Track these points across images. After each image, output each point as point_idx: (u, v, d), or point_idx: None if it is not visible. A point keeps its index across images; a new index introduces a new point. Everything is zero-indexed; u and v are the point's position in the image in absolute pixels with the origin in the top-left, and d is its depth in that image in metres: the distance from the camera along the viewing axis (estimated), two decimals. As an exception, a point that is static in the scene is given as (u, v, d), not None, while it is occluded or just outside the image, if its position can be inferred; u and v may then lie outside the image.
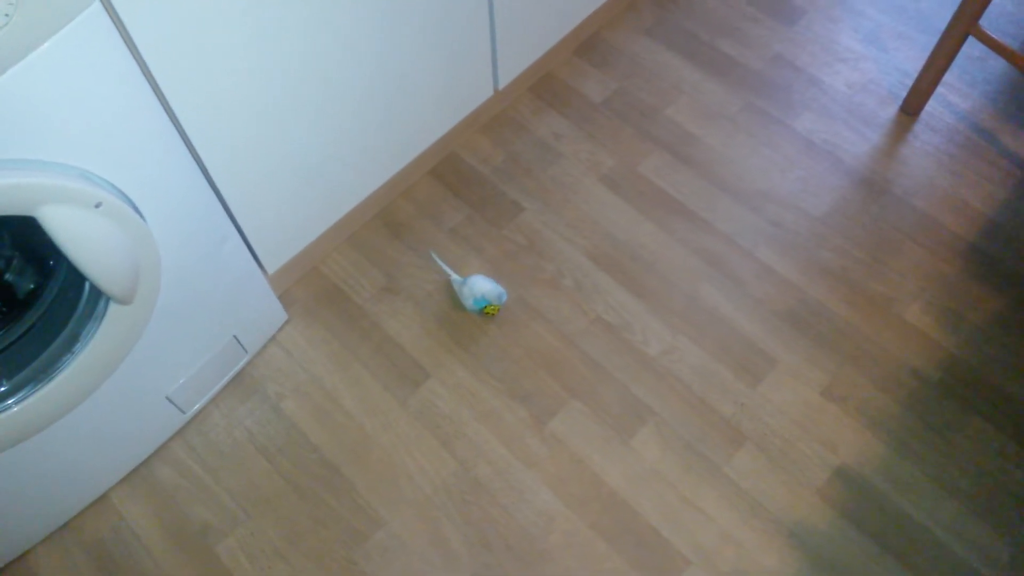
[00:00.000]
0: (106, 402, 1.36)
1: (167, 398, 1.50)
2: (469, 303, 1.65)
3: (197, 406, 1.60)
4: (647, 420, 1.59)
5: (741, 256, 1.77)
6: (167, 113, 1.16)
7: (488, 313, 1.67)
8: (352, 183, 1.66)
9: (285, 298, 1.74)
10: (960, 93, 1.97)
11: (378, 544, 1.49)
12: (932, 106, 1.95)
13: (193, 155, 1.26)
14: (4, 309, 1.25)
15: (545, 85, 2.01)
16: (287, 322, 1.71)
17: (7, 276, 1.25)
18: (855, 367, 1.64)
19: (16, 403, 1.19)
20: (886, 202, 1.83)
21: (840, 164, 1.88)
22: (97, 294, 1.19)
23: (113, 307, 1.21)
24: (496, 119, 1.97)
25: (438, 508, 1.52)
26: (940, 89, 1.96)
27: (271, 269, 1.61)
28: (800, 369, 1.64)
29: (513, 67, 1.85)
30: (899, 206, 1.82)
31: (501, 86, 1.84)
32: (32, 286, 1.27)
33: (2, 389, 1.19)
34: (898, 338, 1.66)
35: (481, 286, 1.62)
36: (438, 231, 1.82)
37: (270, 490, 1.54)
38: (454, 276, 1.70)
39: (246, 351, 1.63)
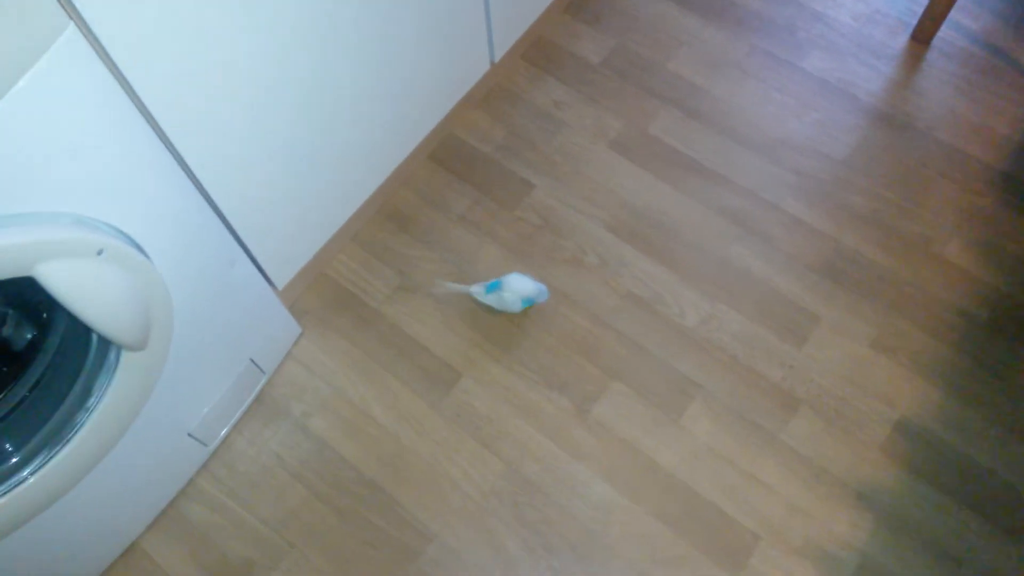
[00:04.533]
0: (125, 452, 1.26)
1: (189, 435, 1.40)
2: (517, 307, 1.55)
3: (220, 437, 1.50)
4: (694, 395, 1.52)
5: (767, 211, 1.69)
6: (157, 135, 1.04)
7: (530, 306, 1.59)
8: (355, 180, 1.55)
9: (295, 310, 1.63)
10: (970, 14, 1.88)
11: (432, 560, 1.42)
12: (944, 32, 1.86)
13: (190, 177, 1.15)
14: (3, 368, 1.14)
15: (538, 50, 1.89)
16: (301, 335, 1.61)
17: (3, 331, 1.13)
18: (900, 315, 1.57)
19: (31, 474, 1.08)
20: (909, 137, 1.75)
21: (856, 102, 1.80)
22: (107, 344, 1.08)
23: (126, 355, 1.10)
24: (492, 93, 1.85)
25: (490, 514, 1.45)
26: (950, 12, 1.87)
27: (280, 284, 1.50)
28: (844, 323, 1.57)
29: (508, 36, 1.73)
30: (923, 140, 1.74)
31: (497, 58, 1.72)
32: (29, 338, 1.15)
33: (14, 460, 1.08)
34: (940, 279, 1.60)
35: (523, 285, 1.52)
36: (446, 220, 1.71)
37: (310, 516, 1.46)
38: (474, 288, 1.59)
39: (263, 372, 1.53)
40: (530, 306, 1.57)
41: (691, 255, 1.65)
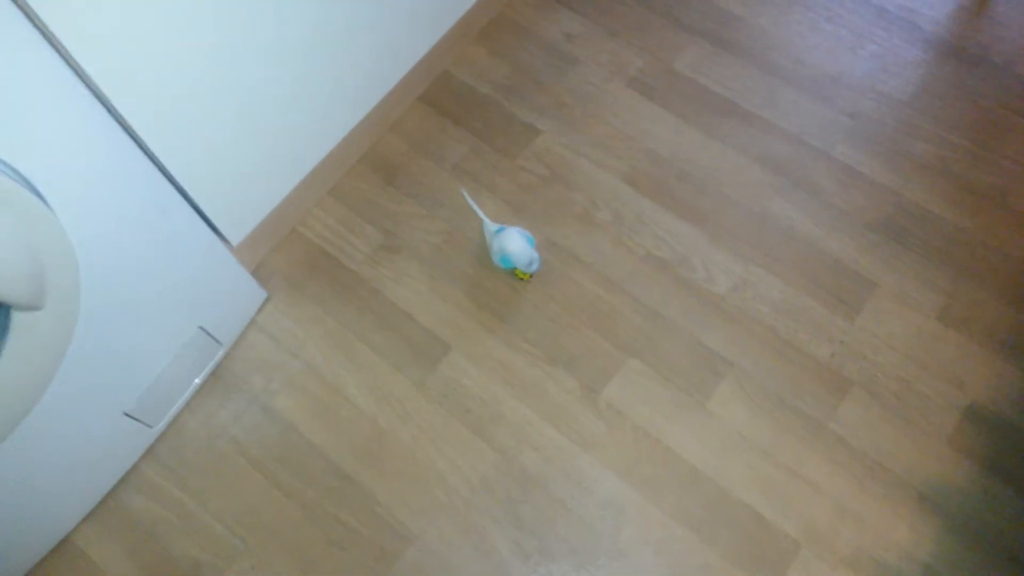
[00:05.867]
0: (47, 430, 1.06)
1: (126, 414, 1.19)
2: (496, 258, 1.32)
3: (167, 417, 1.29)
4: (725, 374, 1.28)
5: (815, 158, 1.43)
6: (63, 57, 0.82)
7: (519, 277, 1.36)
8: (325, 119, 1.32)
9: (261, 272, 1.41)
10: (1059, -71, 1.59)
11: (411, 564, 1.20)
12: (1027, -52, 1.58)
13: (106, 107, 0.92)
14: None
15: (547, -24, 1.64)
16: (267, 301, 1.39)
17: None
18: (974, 281, 1.31)
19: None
20: (983, 74, 1.48)
21: (920, 33, 1.53)
22: (-12, 301, 0.87)
23: (18, 315, 0.89)
24: (493, 25, 1.60)
25: (480, 511, 1.22)
26: (1035, -74, 1.59)
27: (235, 239, 1.28)
28: (907, 291, 1.32)
29: (508, -48, 1.48)
30: (1000, 76, 1.47)
31: (496, -22, 1.48)
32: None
33: None
34: (1020, 238, 1.34)
35: (512, 244, 1.29)
36: (438, 170, 1.48)
37: (270, 511, 1.25)
38: (487, 221, 1.37)
39: (219, 343, 1.31)
40: (514, 268, 1.34)
41: (723, 210, 1.40)
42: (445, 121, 1.52)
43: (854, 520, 1.18)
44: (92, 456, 1.20)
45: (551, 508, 1.22)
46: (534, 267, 1.31)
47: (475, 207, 1.40)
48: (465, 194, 1.42)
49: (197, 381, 1.31)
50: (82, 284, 0.96)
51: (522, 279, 1.36)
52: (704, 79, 1.52)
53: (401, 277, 1.39)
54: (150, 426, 1.26)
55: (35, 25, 0.81)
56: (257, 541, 1.23)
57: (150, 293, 1.10)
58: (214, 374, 1.34)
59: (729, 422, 1.25)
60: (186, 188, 1.11)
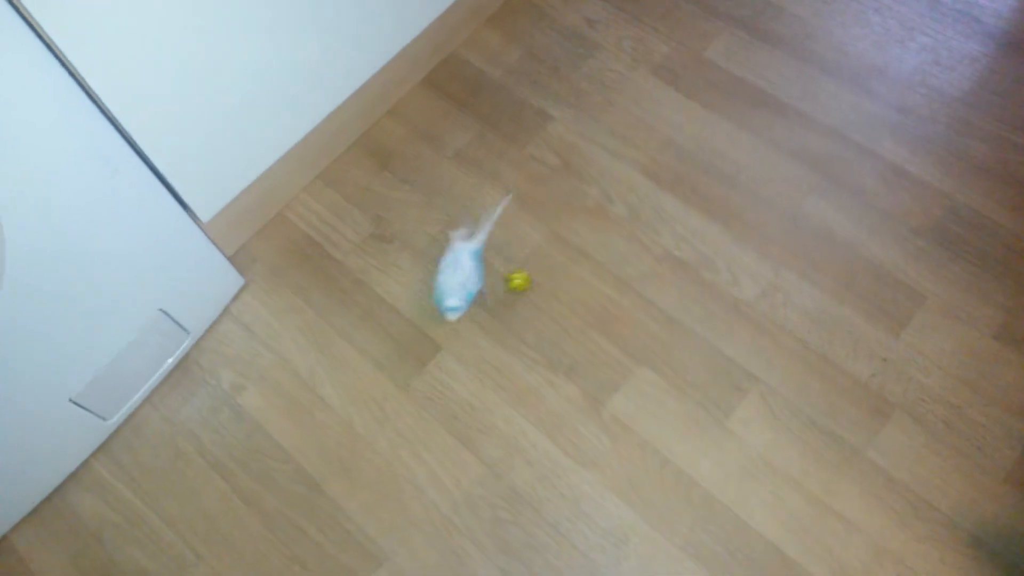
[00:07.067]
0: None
1: (72, 401, 1.07)
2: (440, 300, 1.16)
3: (124, 410, 1.17)
4: (748, 390, 1.13)
5: (858, 156, 1.28)
6: None
7: (515, 287, 1.20)
8: (309, 89, 1.20)
9: (240, 258, 1.30)
10: None
11: (380, 588, 1.06)
12: (1100, -62, 1.43)
13: (47, 43, 0.82)
14: None
15: (569, -43, 1.53)
16: (244, 289, 1.27)
17: None
18: (1039, 296, 1.15)
19: None
20: (1051, 70, 1.33)
21: (979, 25, 1.38)
22: None
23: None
24: (508, 7, 1.49)
25: (461, 532, 1.07)
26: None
27: (206, 215, 1.16)
28: (960, 305, 1.15)
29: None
30: (1070, 73, 1.32)
31: (511, -50, 1.37)
32: None
33: None
34: (1096, 252, 1.17)
35: (447, 279, 1.14)
36: (439, 156, 1.36)
37: (227, 520, 1.11)
38: (474, 243, 1.18)
39: (186, 331, 1.19)
40: (509, 279, 1.19)
41: (753, 208, 1.26)
42: (449, 105, 1.40)
43: (894, 564, 1.01)
44: (35, 448, 1.08)
45: (543, 533, 1.06)
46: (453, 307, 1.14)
47: (490, 223, 1.20)
48: (506, 202, 1.24)
49: (160, 372, 1.19)
50: (5, 242, 0.84)
51: (519, 288, 1.20)
52: (736, 68, 1.38)
53: (390, 269, 1.27)
54: (104, 419, 1.14)
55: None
56: (211, 552, 1.09)
57: (97, 264, 0.98)
58: (180, 366, 1.22)
59: (751, 444, 1.09)
60: (142, 146, 0.99)
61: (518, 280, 1.20)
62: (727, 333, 1.17)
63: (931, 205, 1.23)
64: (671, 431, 1.11)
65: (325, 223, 1.31)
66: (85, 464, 1.17)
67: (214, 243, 1.17)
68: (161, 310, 1.11)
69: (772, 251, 1.22)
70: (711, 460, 1.09)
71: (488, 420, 1.14)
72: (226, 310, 1.25)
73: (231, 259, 1.26)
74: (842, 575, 1.01)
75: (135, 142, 0.97)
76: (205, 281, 1.19)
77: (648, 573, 1.03)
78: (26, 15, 0.79)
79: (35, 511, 1.14)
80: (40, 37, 0.81)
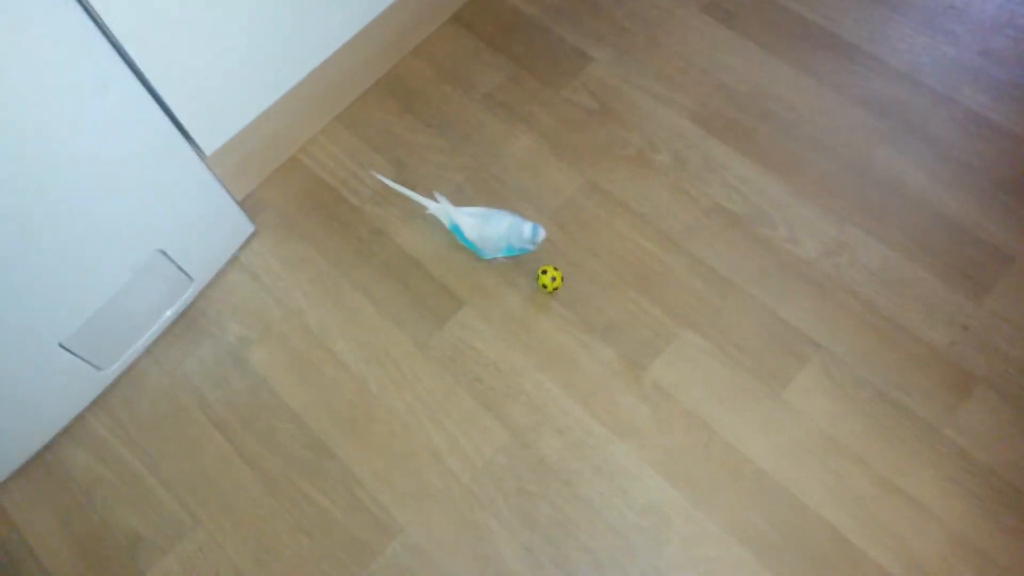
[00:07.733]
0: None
1: (62, 346, 0.98)
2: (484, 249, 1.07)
3: (122, 361, 1.08)
4: (809, 358, 1.01)
5: (934, 102, 1.15)
6: None
7: (546, 287, 1.08)
8: (324, 14, 1.10)
9: (251, 203, 1.20)
10: None
11: (391, 563, 0.95)
12: None
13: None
14: None
15: None
16: (253, 236, 1.17)
17: None
18: None
19: None
20: None
21: (1074, -38, 1.23)
22: None
23: None
24: (546, -61, 1.37)
25: (483, 505, 0.97)
26: None
27: (210, 147, 1.06)
28: (1052, 267, 1.02)
29: None
30: None
31: None
32: None
33: None
34: None
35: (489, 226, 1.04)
36: (466, 99, 1.24)
37: (228, 482, 1.02)
38: (432, 205, 1.10)
39: (190, 278, 1.09)
40: (539, 273, 1.07)
41: (815, 158, 1.13)
42: (480, 44, 1.29)
43: (977, 558, 0.89)
44: (23, 398, 0.99)
45: (574, 509, 0.96)
46: (537, 237, 1.03)
47: (400, 189, 1.11)
48: (379, 176, 1.15)
49: (161, 321, 1.09)
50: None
51: (550, 289, 1.08)
52: (797, 6, 1.25)
53: (411, 219, 1.16)
54: (99, 368, 1.05)
55: None
56: (209, 517, 1.00)
57: (86, 191, 0.88)
58: (183, 316, 1.12)
59: (811, 417, 0.97)
60: (136, 60, 0.89)
61: (551, 279, 1.06)
62: (784, 295, 1.05)
63: (1017, 157, 1.10)
64: (719, 401, 0.99)
65: (343, 168, 1.21)
66: (79, 418, 1.08)
67: (221, 183, 1.07)
68: (160, 251, 1.02)
69: (836, 205, 1.09)
70: (764, 433, 0.97)
71: (515, 383, 1.03)
72: (234, 259, 1.16)
73: (241, 204, 1.16)
74: (914, 567, 0.89)
75: (127, 53, 0.87)
76: (210, 223, 1.09)
77: (690, 557, 0.92)
78: None
79: (24, 467, 1.06)
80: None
